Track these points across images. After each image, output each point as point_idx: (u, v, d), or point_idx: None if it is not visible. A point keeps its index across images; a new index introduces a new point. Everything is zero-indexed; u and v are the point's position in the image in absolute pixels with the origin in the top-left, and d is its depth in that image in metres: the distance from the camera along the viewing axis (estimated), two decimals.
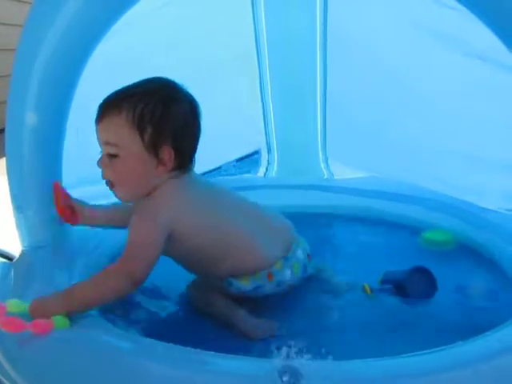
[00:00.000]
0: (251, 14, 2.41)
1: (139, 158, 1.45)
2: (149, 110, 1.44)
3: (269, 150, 2.67)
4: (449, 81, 2.07)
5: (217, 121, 2.30)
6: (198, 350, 1.18)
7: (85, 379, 1.15)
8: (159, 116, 1.44)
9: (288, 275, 1.58)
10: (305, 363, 1.08)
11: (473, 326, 1.35)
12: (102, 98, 1.49)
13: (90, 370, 1.15)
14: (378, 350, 1.20)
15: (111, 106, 1.46)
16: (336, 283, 1.70)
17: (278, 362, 1.08)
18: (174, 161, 1.47)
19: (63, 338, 1.22)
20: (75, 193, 1.68)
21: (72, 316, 1.27)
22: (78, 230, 1.69)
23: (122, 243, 1.43)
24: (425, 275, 1.61)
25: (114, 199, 1.56)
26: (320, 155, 2.59)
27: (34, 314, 1.26)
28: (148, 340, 1.24)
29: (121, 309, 1.51)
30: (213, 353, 1.18)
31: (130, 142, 1.44)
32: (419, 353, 1.16)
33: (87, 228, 1.70)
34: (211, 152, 2.37)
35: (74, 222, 1.65)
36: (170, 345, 1.20)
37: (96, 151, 1.50)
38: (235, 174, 2.60)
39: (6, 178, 1.66)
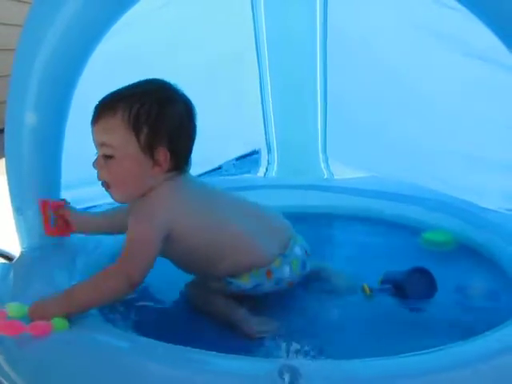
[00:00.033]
0: (251, 14, 2.41)
1: (135, 159, 1.45)
2: (144, 111, 1.44)
3: (269, 150, 2.67)
4: (449, 81, 2.07)
5: (216, 121, 2.30)
6: (198, 350, 1.18)
7: (85, 380, 1.15)
8: (155, 117, 1.45)
9: (287, 272, 1.58)
10: (304, 363, 1.08)
11: (473, 327, 1.35)
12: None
13: (89, 371, 1.15)
14: (377, 350, 1.20)
15: (107, 107, 1.46)
16: (336, 282, 1.70)
17: (277, 361, 1.08)
18: (170, 162, 1.47)
19: (63, 338, 1.22)
20: (75, 193, 1.68)
21: (71, 317, 1.27)
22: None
23: (122, 243, 1.43)
24: (424, 276, 1.61)
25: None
26: (320, 155, 2.59)
27: (33, 316, 1.26)
28: (147, 340, 1.24)
29: (120, 309, 1.51)
30: (212, 352, 1.18)
31: (126, 142, 1.44)
32: (418, 352, 1.16)
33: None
34: (211, 152, 2.38)
35: (67, 234, 1.65)
36: (170, 345, 1.20)
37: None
38: (235, 174, 2.60)
39: (5, 177, 1.66)
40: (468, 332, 1.26)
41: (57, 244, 1.67)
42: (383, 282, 1.65)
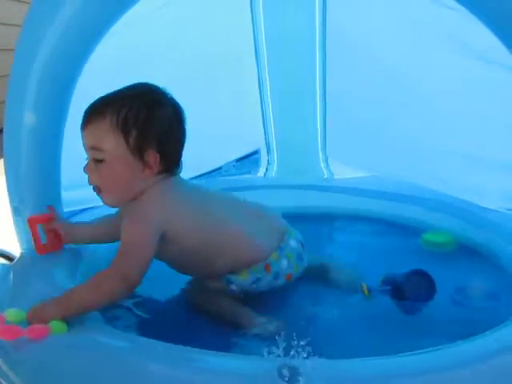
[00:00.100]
0: (250, 14, 2.41)
1: (125, 162, 1.46)
2: (133, 114, 1.45)
3: (268, 150, 2.67)
4: (449, 81, 2.06)
5: (216, 121, 2.30)
6: (198, 350, 1.18)
7: (85, 380, 1.15)
8: (143, 120, 1.46)
9: (285, 264, 1.61)
10: (304, 362, 1.08)
11: (473, 327, 1.35)
12: None
13: (89, 371, 1.15)
14: (376, 349, 1.20)
15: (96, 111, 1.47)
16: (337, 277, 1.71)
17: (277, 360, 1.08)
18: (160, 164, 1.49)
19: (62, 339, 1.22)
20: (75, 194, 1.68)
21: (70, 320, 1.27)
22: None
23: (118, 244, 1.43)
24: (424, 278, 1.60)
25: None
26: (320, 155, 2.59)
27: (31, 320, 1.26)
28: (147, 340, 1.24)
29: (119, 309, 1.51)
30: (212, 352, 1.18)
31: (115, 145, 1.45)
32: (418, 352, 1.16)
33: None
34: (211, 152, 2.38)
35: (60, 247, 1.64)
36: (170, 344, 1.20)
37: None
38: (235, 174, 2.60)
39: (5, 178, 1.66)
40: (467, 332, 1.26)
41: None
42: (383, 283, 1.65)
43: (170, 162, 1.52)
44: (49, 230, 1.63)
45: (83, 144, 1.48)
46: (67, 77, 1.61)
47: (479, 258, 1.89)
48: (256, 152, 2.66)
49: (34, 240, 1.61)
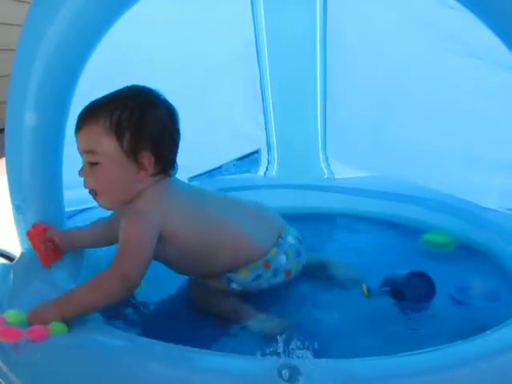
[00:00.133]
0: (251, 14, 2.41)
1: (119, 164, 1.46)
2: (126, 117, 1.45)
3: (269, 150, 2.67)
4: (449, 81, 2.07)
5: (216, 121, 2.30)
6: (198, 350, 1.18)
7: (85, 380, 1.15)
8: (136, 122, 1.46)
9: (283, 260, 1.63)
10: (304, 361, 1.08)
11: (473, 326, 1.35)
12: None
13: (89, 372, 1.15)
14: (376, 349, 1.20)
15: (89, 115, 1.47)
16: (337, 273, 1.71)
17: (277, 360, 1.08)
18: (155, 166, 1.49)
19: (62, 340, 1.22)
20: (75, 193, 1.67)
21: (70, 321, 1.27)
22: None
23: (117, 245, 1.43)
24: (423, 280, 1.61)
25: None
26: (320, 154, 2.59)
27: (31, 321, 1.26)
28: (147, 340, 1.24)
29: (119, 309, 1.51)
30: (212, 352, 1.19)
31: (109, 148, 1.45)
32: (418, 352, 1.16)
33: None
34: (211, 152, 2.38)
35: (60, 255, 1.63)
36: (170, 344, 1.20)
37: None
38: (235, 173, 2.60)
39: (6, 177, 1.66)
40: (468, 332, 1.26)
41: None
42: (383, 284, 1.65)
43: (165, 163, 1.52)
44: (47, 241, 1.62)
45: (78, 148, 1.49)
46: (68, 76, 1.61)
47: (479, 258, 1.90)
48: (256, 151, 2.67)
49: (39, 254, 1.59)
